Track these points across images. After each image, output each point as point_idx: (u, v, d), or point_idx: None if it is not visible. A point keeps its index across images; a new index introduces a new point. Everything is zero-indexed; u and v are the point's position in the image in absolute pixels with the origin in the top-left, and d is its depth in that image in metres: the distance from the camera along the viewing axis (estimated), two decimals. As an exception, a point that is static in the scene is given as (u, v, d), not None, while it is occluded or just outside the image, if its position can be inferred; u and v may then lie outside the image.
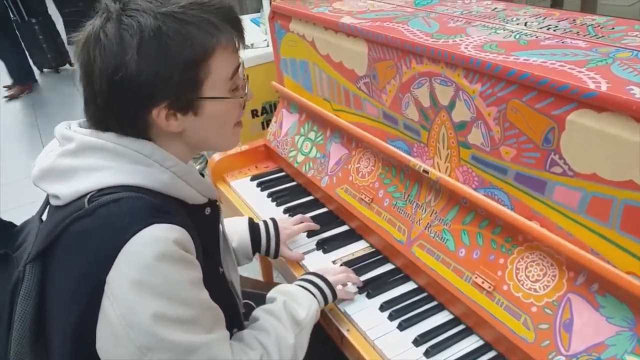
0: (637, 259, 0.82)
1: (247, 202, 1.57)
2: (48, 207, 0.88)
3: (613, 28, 1.04)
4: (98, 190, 0.78)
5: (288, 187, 1.62)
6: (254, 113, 2.23)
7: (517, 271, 0.98)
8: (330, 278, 1.13)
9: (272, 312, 1.00)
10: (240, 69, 0.88)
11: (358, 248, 1.34)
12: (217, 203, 0.99)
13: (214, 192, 0.96)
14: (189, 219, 0.85)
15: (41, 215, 0.89)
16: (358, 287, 1.19)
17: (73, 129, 0.85)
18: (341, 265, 1.25)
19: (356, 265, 1.26)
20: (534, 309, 0.94)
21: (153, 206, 0.78)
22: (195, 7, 0.79)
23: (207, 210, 0.95)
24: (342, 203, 1.38)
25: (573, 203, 0.89)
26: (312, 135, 1.57)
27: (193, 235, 0.82)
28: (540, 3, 1.79)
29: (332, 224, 1.43)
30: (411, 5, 1.39)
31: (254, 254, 1.27)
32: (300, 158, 1.57)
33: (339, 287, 1.14)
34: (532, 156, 0.93)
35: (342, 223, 1.43)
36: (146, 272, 0.73)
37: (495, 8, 1.28)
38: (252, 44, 2.17)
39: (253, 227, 1.27)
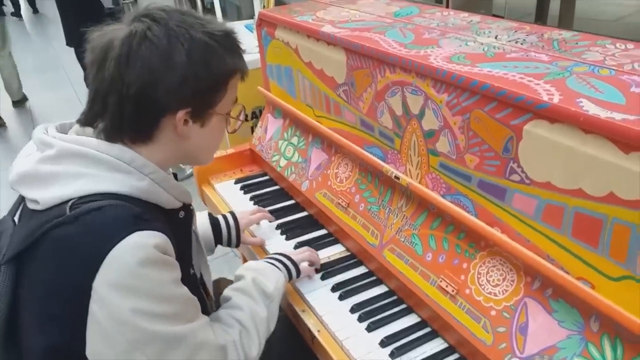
0: (587, 265, 0.85)
1: (230, 205, 1.60)
2: (21, 208, 0.91)
3: (577, 43, 1.08)
4: (79, 197, 0.82)
5: (270, 191, 1.66)
6: (245, 117, 2.27)
7: (479, 275, 1.01)
8: (294, 256, 1.21)
9: (243, 289, 1.07)
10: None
11: (334, 252, 1.37)
12: (191, 207, 1.04)
13: (188, 196, 1.00)
14: (166, 223, 0.89)
15: (13, 216, 0.92)
16: (317, 269, 1.28)
17: (51, 134, 0.88)
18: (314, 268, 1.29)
19: (331, 268, 1.29)
20: (493, 313, 0.97)
21: (134, 214, 0.81)
22: (227, 35, 0.92)
23: (181, 214, 0.99)
24: (320, 207, 1.42)
25: (530, 210, 0.92)
26: (294, 140, 1.60)
27: (170, 238, 0.86)
28: (524, 18, 1.83)
29: (311, 227, 1.46)
30: (391, 16, 1.43)
31: (216, 245, 1.35)
32: (283, 162, 1.61)
33: (302, 265, 1.22)
34: (493, 164, 0.97)
35: (321, 227, 1.46)
36: (131, 276, 0.77)
37: (471, 20, 1.31)
38: (244, 50, 2.21)
39: (213, 220, 1.34)
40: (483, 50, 1.09)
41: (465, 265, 1.04)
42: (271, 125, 1.72)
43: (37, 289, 0.82)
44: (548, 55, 1.02)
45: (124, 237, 0.78)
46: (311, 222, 1.48)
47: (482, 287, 1.00)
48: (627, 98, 0.81)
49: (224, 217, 1.38)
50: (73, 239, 0.79)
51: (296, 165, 1.55)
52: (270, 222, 1.48)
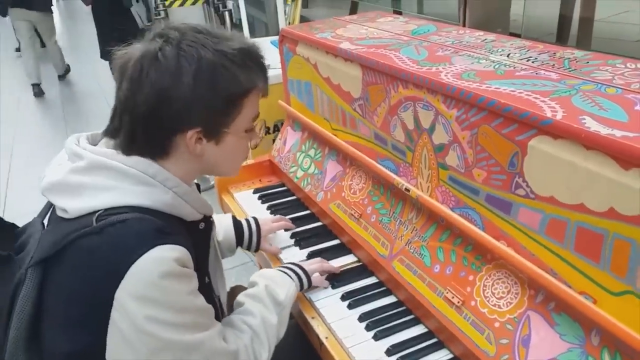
0: (589, 280, 0.86)
1: (247, 214, 1.65)
2: (50, 213, 0.95)
3: (588, 62, 1.09)
4: (105, 210, 0.86)
5: (287, 201, 1.70)
6: (267, 130, 2.34)
7: (485, 288, 1.03)
8: (306, 267, 1.24)
9: (256, 296, 1.11)
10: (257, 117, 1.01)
11: (346, 261, 1.40)
12: (211, 219, 1.08)
13: (209, 209, 1.04)
14: (187, 234, 0.93)
15: (43, 219, 0.97)
16: (327, 278, 1.31)
17: (82, 145, 0.93)
18: (325, 277, 1.31)
19: (342, 277, 1.32)
20: (496, 325, 0.98)
21: (156, 228, 0.85)
22: (243, 52, 0.91)
23: (201, 225, 1.03)
24: (334, 218, 1.45)
25: (534, 224, 0.94)
26: (312, 152, 1.65)
27: (189, 249, 0.89)
28: (545, 38, 1.85)
29: (325, 237, 1.50)
30: (409, 34, 1.47)
31: (236, 247, 1.38)
32: (300, 174, 1.65)
33: (314, 275, 1.25)
34: (500, 179, 0.99)
35: (335, 237, 1.49)
36: (151, 288, 0.81)
37: (485, 39, 1.34)
38: (269, 65, 2.28)
39: (237, 223, 1.39)
40: (493, 67, 1.11)
41: (471, 278, 1.06)
42: (290, 137, 1.77)
43: (62, 295, 0.85)
44: (557, 73, 1.04)
45: (146, 251, 0.81)
46: (325, 232, 1.52)
47: (487, 299, 1.02)
48: (630, 116, 0.83)
49: (247, 221, 1.42)
50: (98, 249, 0.83)
51: (312, 177, 1.59)
52: (291, 230, 1.51)
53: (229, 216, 1.41)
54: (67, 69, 6.68)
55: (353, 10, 2.84)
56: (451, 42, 1.35)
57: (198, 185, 1.12)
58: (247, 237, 1.40)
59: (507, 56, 1.18)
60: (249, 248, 1.42)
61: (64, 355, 0.84)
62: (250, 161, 1.85)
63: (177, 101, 0.86)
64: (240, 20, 4.07)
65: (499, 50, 1.24)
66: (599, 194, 0.81)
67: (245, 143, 1.00)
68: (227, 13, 3.36)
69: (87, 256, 0.83)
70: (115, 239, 0.83)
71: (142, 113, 0.87)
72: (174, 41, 0.87)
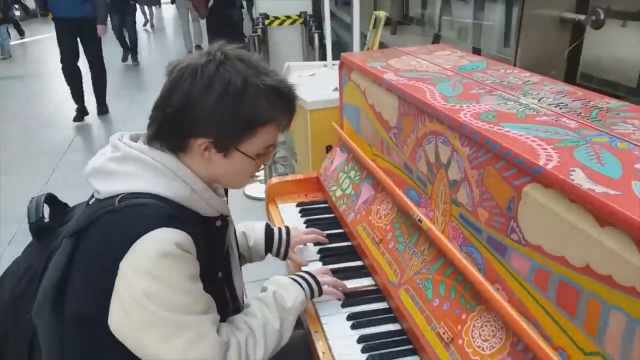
0: (566, 335, 0.83)
1: (285, 223, 1.73)
2: (90, 197, 1.10)
3: (619, 113, 1.06)
4: (129, 193, 0.98)
5: (325, 218, 1.76)
6: (328, 148, 2.42)
7: (474, 328, 1.02)
8: (320, 278, 1.29)
9: (263, 299, 1.16)
10: (274, 146, 1.10)
11: (363, 283, 1.43)
12: (228, 218, 1.17)
13: (225, 208, 1.13)
14: (200, 228, 1.03)
15: (89, 202, 1.11)
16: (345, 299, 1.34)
17: (124, 140, 1.06)
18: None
19: (354, 297, 1.36)
20: (477, 367, 0.97)
21: (168, 214, 0.95)
22: (271, 88, 1.01)
23: (218, 223, 1.13)
24: (358, 240, 1.49)
25: (524, 271, 0.92)
26: (352, 174, 1.70)
27: (198, 241, 0.99)
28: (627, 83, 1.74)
29: (350, 257, 1.54)
30: (456, 69, 1.49)
31: (266, 254, 1.47)
32: (338, 193, 1.71)
33: (325, 287, 1.29)
34: (499, 221, 0.98)
35: (359, 259, 1.53)
36: (150, 263, 0.91)
37: (529, 81, 1.33)
38: (336, 88, 2.38)
39: (268, 231, 1.47)
40: (516, 110, 1.11)
41: (464, 316, 1.05)
42: (337, 158, 1.84)
43: (82, 263, 0.98)
44: (578, 122, 1.02)
45: (151, 230, 0.92)
46: (351, 252, 1.56)
47: (474, 339, 1.01)
48: (625, 173, 0.80)
49: (279, 230, 1.51)
50: (115, 225, 0.95)
51: (348, 197, 1.65)
52: (320, 245, 1.57)
53: (263, 223, 1.51)
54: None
55: (435, 41, 2.86)
56: (491, 81, 1.35)
57: (226, 190, 1.22)
58: (276, 245, 1.48)
59: (539, 100, 1.17)
60: (277, 255, 1.50)
61: (74, 314, 0.97)
62: (299, 176, 1.94)
63: (197, 112, 0.98)
64: (333, 43, 4.22)
65: (535, 93, 1.22)
66: (578, 248, 0.79)
67: (253, 165, 1.08)
68: (316, 35, 3.52)
69: (106, 231, 0.96)
70: (130, 218, 0.94)
71: (169, 112, 1.00)
72: (216, 62, 0.98)
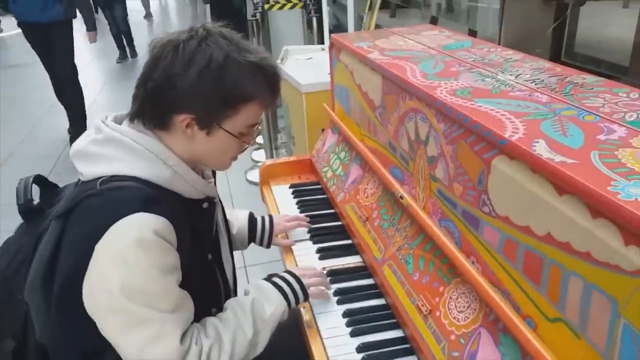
0: (532, 303, 0.86)
1: (279, 205, 1.77)
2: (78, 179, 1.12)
3: (592, 88, 1.06)
4: (110, 176, 0.98)
5: (317, 199, 1.79)
6: (324, 131, 2.44)
7: (450, 300, 1.05)
8: (305, 280, 1.23)
9: (240, 304, 1.11)
10: (258, 125, 1.08)
11: (351, 261, 1.46)
12: (215, 200, 1.16)
13: (210, 190, 1.12)
14: (185, 210, 1.03)
15: (77, 184, 1.11)
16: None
17: (107, 122, 1.06)
18: (326, 273, 1.39)
19: (341, 274, 1.39)
20: (452, 337, 1.00)
21: (147, 197, 0.95)
22: (254, 65, 1.00)
23: (205, 205, 1.11)
24: (347, 219, 1.52)
25: (495, 243, 0.95)
26: (342, 155, 1.72)
27: (180, 225, 0.98)
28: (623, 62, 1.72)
29: (339, 236, 1.57)
30: (440, 48, 1.50)
31: (249, 242, 1.48)
32: (329, 174, 1.73)
33: (312, 289, 1.24)
34: (471, 194, 1.00)
35: (348, 237, 1.56)
36: (123, 249, 0.91)
37: (510, 58, 1.33)
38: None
39: (252, 220, 1.48)
40: (492, 86, 1.12)
41: (441, 289, 1.08)
42: (329, 139, 1.86)
43: (66, 244, 0.99)
44: (550, 96, 1.03)
45: (129, 214, 0.91)
46: (341, 232, 1.59)
47: (450, 311, 1.04)
48: (586, 143, 0.81)
49: (262, 219, 1.51)
50: (95, 208, 0.95)
51: (338, 178, 1.67)
52: (306, 229, 1.58)
53: (246, 212, 1.50)
54: None
55: (433, 23, 2.85)
56: (473, 59, 1.35)
57: (214, 171, 1.23)
58: (259, 234, 1.49)
59: (516, 77, 1.18)
60: (261, 244, 1.50)
61: (60, 294, 0.98)
62: (292, 158, 1.97)
63: (179, 87, 0.97)
64: (333, 26, 4.22)
65: (514, 70, 1.23)
66: (540, 217, 0.81)
67: (236, 144, 1.06)
68: (314, 18, 3.52)
69: (86, 213, 0.97)
70: (109, 201, 0.95)
71: (151, 88, 0.98)
72: (198, 38, 0.98)
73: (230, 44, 1.00)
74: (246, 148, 1.11)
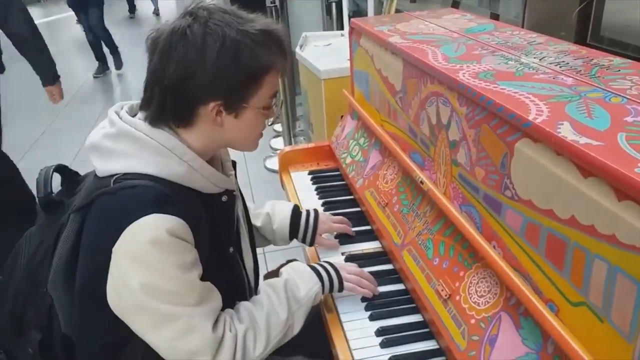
0: (555, 287, 0.85)
1: (297, 191, 1.77)
2: None
3: (619, 70, 1.04)
4: (123, 174, 0.95)
5: (336, 185, 1.79)
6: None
7: (470, 285, 1.04)
8: (343, 273, 1.20)
9: (273, 286, 1.10)
10: (278, 94, 1.07)
11: (370, 246, 1.46)
12: (234, 192, 1.14)
13: (228, 183, 1.08)
14: (202, 205, 1.00)
15: (95, 175, 1.07)
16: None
17: (121, 114, 1.01)
18: (345, 258, 1.39)
19: (360, 259, 1.39)
20: (472, 321, 1.00)
21: (161, 197, 0.92)
22: (264, 33, 0.97)
23: (224, 198, 1.09)
24: (366, 205, 1.52)
25: (517, 227, 0.94)
26: (361, 140, 1.72)
27: (197, 222, 0.96)
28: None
29: (359, 222, 1.56)
30: (462, 31, 1.47)
31: (290, 239, 1.40)
32: (348, 160, 1.73)
33: (348, 284, 1.19)
34: (493, 179, 0.99)
35: (367, 223, 1.56)
36: (140, 250, 0.90)
37: (533, 41, 1.31)
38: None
39: (295, 214, 1.39)
40: (515, 69, 1.10)
41: (462, 274, 1.08)
42: (348, 125, 1.86)
43: (85, 241, 0.98)
44: (576, 79, 1.01)
45: (143, 216, 0.89)
46: (360, 217, 1.58)
47: (470, 295, 1.03)
48: (612, 125, 0.80)
49: (307, 214, 1.41)
50: (108, 209, 0.94)
51: (357, 164, 1.67)
52: (350, 235, 1.48)
53: (290, 205, 1.42)
54: None
55: (454, 7, 2.81)
56: (496, 42, 1.33)
57: (234, 163, 1.20)
58: (302, 232, 1.39)
59: (540, 59, 1.16)
60: (303, 241, 1.41)
61: (82, 290, 0.98)
62: (311, 144, 1.97)
63: (201, 75, 0.92)
64: (353, 12, 4.19)
65: (537, 53, 1.21)
66: (564, 200, 0.80)
67: (262, 119, 1.04)
68: (334, 4, 3.50)
69: (101, 213, 0.95)
70: (122, 201, 0.92)
71: (169, 85, 0.94)
72: (202, 19, 0.93)
73: (235, 17, 0.96)
74: (272, 123, 1.10)
